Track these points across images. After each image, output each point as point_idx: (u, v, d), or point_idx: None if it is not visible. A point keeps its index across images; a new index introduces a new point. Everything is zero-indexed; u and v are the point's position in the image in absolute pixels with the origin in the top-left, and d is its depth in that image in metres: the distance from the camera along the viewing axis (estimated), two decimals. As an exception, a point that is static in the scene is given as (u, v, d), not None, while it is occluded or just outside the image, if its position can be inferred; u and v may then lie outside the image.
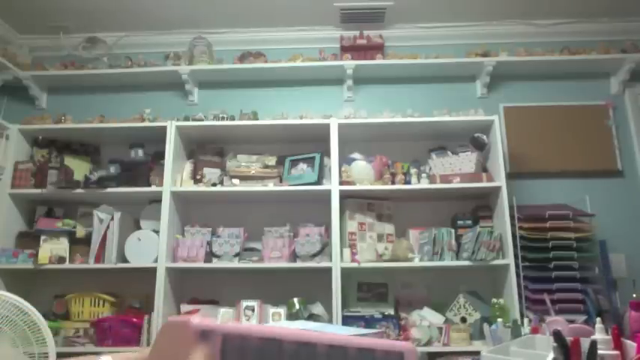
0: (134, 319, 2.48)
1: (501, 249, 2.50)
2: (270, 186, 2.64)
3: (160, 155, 2.71)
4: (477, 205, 2.75)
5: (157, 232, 2.60)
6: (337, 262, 2.47)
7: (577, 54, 2.95)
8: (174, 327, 0.53)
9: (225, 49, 3.16)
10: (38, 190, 2.68)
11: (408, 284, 2.71)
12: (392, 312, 2.53)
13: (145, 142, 2.86)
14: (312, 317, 2.46)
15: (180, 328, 0.51)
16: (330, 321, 2.44)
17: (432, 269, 2.63)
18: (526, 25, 3.12)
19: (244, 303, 2.45)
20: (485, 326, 2.25)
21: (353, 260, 2.50)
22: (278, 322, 2.35)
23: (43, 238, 2.63)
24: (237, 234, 2.67)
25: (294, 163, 2.78)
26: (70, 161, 2.76)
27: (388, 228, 2.75)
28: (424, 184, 2.64)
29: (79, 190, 2.67)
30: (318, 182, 2.64)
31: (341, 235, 2.59)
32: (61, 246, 2.64)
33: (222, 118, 2.85)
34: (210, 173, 2.75)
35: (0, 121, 2.77)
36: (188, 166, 2.79)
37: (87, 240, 2.64)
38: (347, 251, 2.53)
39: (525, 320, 2.05)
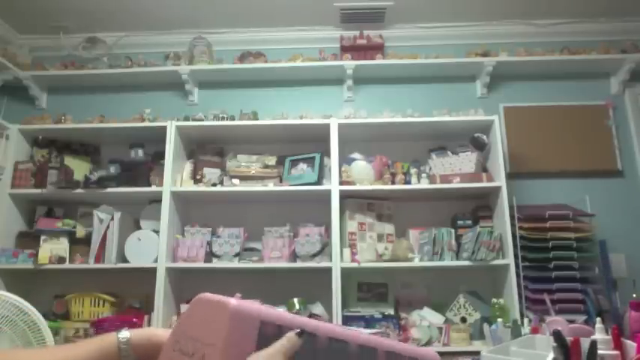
0: (134, 319, 2.47)
1: (501, 249, 2.50)
2: (270, 186, 2.64)
3: (160, 155, 2.71)
4: (477, 205, 2.75)
5: (157, 232, 2.60)
6: (337, 262, 2.47)
7: (577, 54, 2.95)
8: (209, 304, 0.52)
9: (225, 49, 3.16)
10: (38, 190, 2.68)
11: (408, 284, 2.70)
12: (392, 312, 2.53)
13: (145, 142, 2.86)
14: (311, 317, 2.46)
15: (216, 308, 0.50)
16: (330, 321, 2.44)
17: (432, 269, 2.63)
18: (526, 25, 3.12)
19: (244, 303, 2.45)
20: (485, 326, 2.25)
21: (353, 260, 2.50)
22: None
23: (43, 238, 2.63)
24: (237, 234, 2.67)
25: (294, 163, 2.78)
26: (70, 161, 2.76)
27: (388, 228, 2.75)
28: (424, 184, 2.64)
29: (79, 190, 2.67)
30: (318, 182, 2.64)
31: (341, 235, 2.59)
32: (61, 246, 2.64)
33: (222, 118, 2.85)
34: (210, 173, 2.75)
35: (0, 121, 2.77)
36: (188, 166, 2.79)
37: (87, 240, 2.65)
38: (347, 251, 2.53)
39: (525, 320, 2.06)
